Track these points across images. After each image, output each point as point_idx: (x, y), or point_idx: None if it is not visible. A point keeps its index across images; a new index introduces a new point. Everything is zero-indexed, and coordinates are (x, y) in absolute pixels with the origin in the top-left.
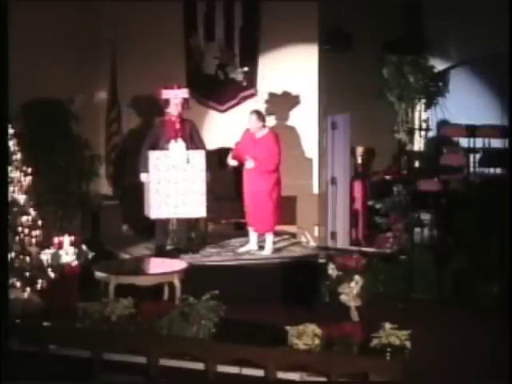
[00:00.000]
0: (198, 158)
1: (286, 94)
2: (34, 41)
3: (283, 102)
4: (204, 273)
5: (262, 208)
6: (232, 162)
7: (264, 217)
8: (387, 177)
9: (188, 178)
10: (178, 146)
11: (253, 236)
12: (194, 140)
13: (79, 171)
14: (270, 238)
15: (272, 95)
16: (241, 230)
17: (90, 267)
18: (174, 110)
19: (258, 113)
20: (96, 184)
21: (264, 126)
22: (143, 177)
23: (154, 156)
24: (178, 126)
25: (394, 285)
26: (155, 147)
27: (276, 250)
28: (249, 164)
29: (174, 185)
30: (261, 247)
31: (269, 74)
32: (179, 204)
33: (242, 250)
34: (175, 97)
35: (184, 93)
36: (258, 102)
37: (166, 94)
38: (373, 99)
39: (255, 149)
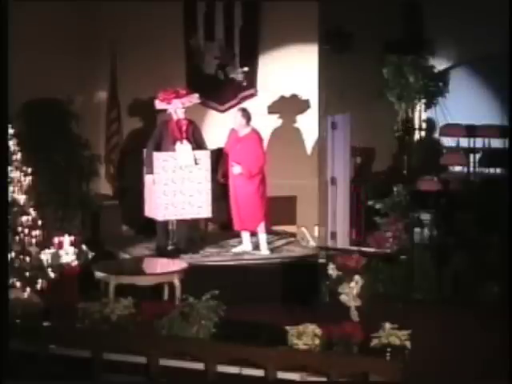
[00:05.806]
0: (204, 158)
1: (285, 94)
2: (34, 41)
3: (283, 102)
4: (204, 273)
5: (249, 208)
6: (221, 179)
7: (251, 215)
8: (387, 177)
9: (194, 179)
10: (184, 147)
11: (245, 236)
12: (196, 140)
13: (79, 171)
14: (263, 237)
15: (272, 95)
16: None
17: (89, 267)
18: (174, 116)
19: (243, 110)
20: (96, 184)
21: (248, 125)
22: (149, 179)
23: (161, 157)
24: (182, 127)
25: (394, 285)
26: (159, 148)
27: (275, 250)
28: (236, 170)
29: (180, 186)
30: (255, 247)
31: (269, 74)
32: (185, 205)
33: (235, 250)
34: (172, 107)
35: (180, 103)
36: (258, 102)
37: (160, 106)
38: (373, 99)
39: (238, 149)
